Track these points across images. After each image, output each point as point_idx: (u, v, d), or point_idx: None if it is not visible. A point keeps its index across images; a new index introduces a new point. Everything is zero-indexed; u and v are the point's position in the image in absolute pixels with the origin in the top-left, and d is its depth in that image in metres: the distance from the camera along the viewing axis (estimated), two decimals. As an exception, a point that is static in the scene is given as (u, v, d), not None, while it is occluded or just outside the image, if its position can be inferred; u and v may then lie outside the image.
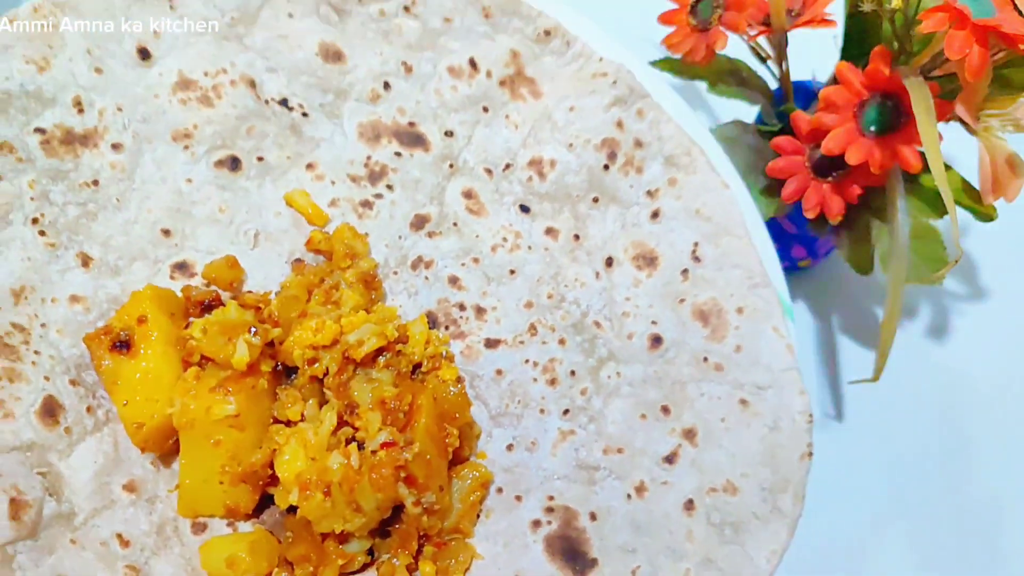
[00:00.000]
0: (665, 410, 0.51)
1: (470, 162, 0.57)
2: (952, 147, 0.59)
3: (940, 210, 0.61)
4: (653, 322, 0.54)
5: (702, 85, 0.72)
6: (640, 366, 0.53)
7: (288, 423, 0.44)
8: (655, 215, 0.56)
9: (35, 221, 0.46)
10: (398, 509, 0.45)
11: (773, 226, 0.64)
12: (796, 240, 0.73)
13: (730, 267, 0.54)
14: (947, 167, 0.59)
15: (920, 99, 0.54)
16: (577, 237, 0.56)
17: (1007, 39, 0.51)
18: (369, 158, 0.56)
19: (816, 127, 0.60)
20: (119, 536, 0.42)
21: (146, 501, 0.43)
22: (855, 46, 0.64)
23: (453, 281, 0.54)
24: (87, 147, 0.49)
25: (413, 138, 0.57)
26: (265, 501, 0.46)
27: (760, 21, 0.65)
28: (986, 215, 0.60)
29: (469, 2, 0.58)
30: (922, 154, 0.56)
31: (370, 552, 0.45)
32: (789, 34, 0.64)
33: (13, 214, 0.45)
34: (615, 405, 0.52)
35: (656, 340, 0.53)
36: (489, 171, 0.57)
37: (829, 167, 0.62)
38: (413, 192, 0.56)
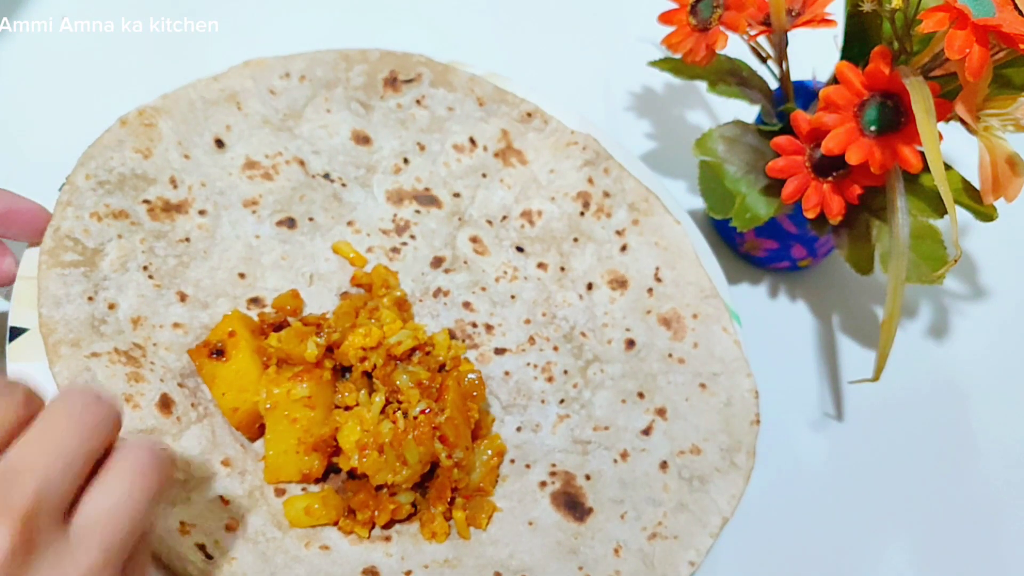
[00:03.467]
0: (640, 395, 0.62)
1: (474, 216, 0.70)
2: (952, 147, 0.60)
3: (940, 210, 0.61)
4: (627, 329, 0.66)
5: (702, 85, 0.71)
6: (619, 364, 0.64)
7: (346, 408, 0.57)
8: (624, 248, 0.69)
9: (145, 268, 0.59)
10: (431, 475, 0.56)
11: (773, 226, 0.69)
12: (796, 240, 0.73)
13: (685, 284, 0.67)
14: (947, 167, 0.59)
15: (920, 99, 0.54)
16: (563, 269, 0.69)
17: (1007, 39, 0.51)
18: (396, 216, 0.69)
19: (816, 127, 0.60)
20: (221, 497, 0.53)
21: (238, 473, 0.54)
22: (855, 46, 0.64)
23: (466, 305, 0.66)
24: (180, 213, 0.62)
25: (428, 199, 0.70)
26: (327, 473, 0.57)
27: (760, 21, 0.65)
28: (986, 215, 0.60)
29: (466, 95, 0.73)
30: (922, 154, 0.56)
31: (413, 505, 0.56)
32: (789, 34, 0.64)
33: (130, 263, 0.58)
34: (601, 395, 0.63)
35: (630, 343, 0.65)
36: (490, 222, 0.70)
37: (829, 167, 0.62)
38: (431, 240, 0.68)
